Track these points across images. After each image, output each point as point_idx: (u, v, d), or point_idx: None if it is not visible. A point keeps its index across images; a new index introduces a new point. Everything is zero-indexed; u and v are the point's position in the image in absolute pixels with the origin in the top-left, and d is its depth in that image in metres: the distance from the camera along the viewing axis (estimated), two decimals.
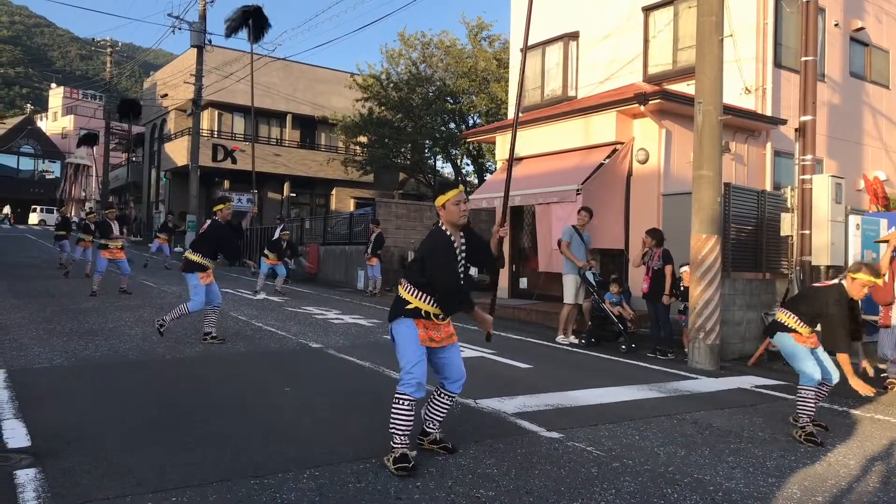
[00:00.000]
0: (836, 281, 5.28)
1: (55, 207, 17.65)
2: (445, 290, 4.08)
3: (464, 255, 4.23)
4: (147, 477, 3.73)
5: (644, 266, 9.03)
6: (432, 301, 4.12)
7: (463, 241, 4.25)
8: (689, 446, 4.78)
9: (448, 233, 4.18)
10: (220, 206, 8.16)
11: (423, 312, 4.12)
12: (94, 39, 50.08)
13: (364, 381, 6.64)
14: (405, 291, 4.18)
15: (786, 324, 5.28)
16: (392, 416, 4.00)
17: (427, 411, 4.33)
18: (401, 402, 3.99)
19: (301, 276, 20.40)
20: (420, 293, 4.12)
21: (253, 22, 13.72)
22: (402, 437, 3.98)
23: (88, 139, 17.59)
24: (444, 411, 4.31)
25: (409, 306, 4.14)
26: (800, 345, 5.21)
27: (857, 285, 5.08)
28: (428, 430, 4.34)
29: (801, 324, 5.22)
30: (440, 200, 4.21)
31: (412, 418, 4.01)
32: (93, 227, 15.24)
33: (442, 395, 4.29)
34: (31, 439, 4.30)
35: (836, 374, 5.24)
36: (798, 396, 5.17)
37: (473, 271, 14.07)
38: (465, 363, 7.56)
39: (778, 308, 5.49)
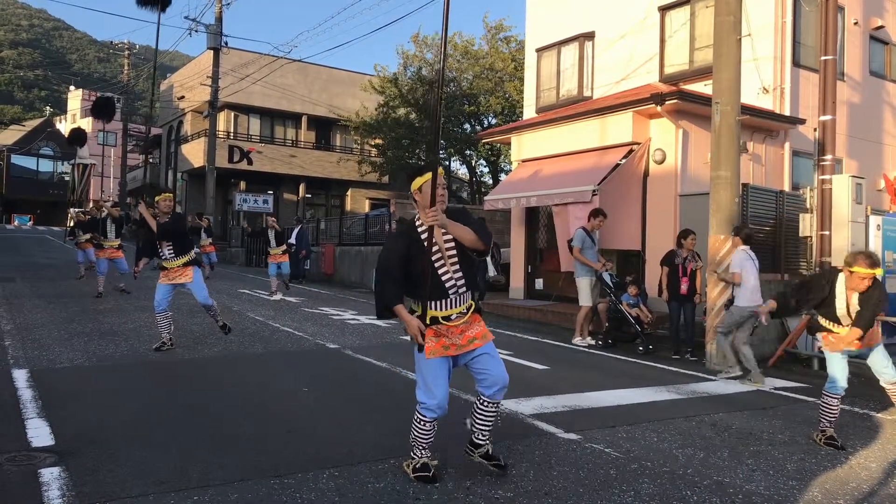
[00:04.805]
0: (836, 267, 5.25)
1: (83, 209, 17.59)
2: (375, 286, 3.88)
3: (452, 247, 3.83)
4: (168, 476, 3.77)
5: (679, 267, 8.90)
6: (434, 305, 3.82)
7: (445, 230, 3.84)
8: (707, 448, 4.75)
9: (419, 224, 3.86)
10: (157, 198, 7.73)
11: (427, 319, 3.81)
12: (111, 42, 50.65)
13: (381, 381, 6.66)
14: (411, 300, 3.94)
15: (820, 323, 5.20)
16: (413, 429, 3.89)
17: (473, 421, 3.98)
18: (420, 421, 3.85)
19: (316, 277, 20.50)
20: (415, 300, 3.89)
21: None
22: (422, 451, 3.89)
23: (77, 139, 16.97)
24: (490, 420, 3.93)
25: (414, 315, 3.88)
26: (831, 349, 5.12)
27: (855, 278, 4.91)
28: (477, 441, 3.97)
29: (828, 321, 5.12)
30: (416, 184, 3.88)
31: (432, 434, 3.89)
32: (81, 226, 15.22)
33: (484, 403, 3.92)
34: (55, 438, 4.37)
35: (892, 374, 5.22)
36: (821, 402, 5.11)
37: (491, 270, 13.84)
38: None
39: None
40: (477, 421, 3.95)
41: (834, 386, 5.04)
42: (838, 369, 5.08)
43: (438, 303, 3.82)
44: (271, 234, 14.11)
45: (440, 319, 3.82)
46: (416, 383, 3.91)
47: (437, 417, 3.85)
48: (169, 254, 7.69)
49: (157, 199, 7.71)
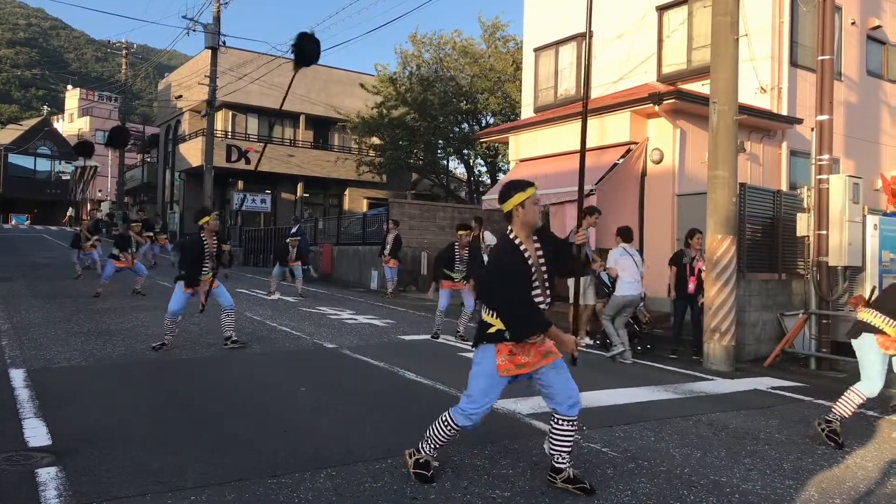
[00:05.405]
0: None
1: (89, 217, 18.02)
2: (511, 313, 3.64)
3: (542, 263, 3.77)
4: (166, 476, 3.77)
5: (687, 266, 8.91)
6: None
7: (538, 246, 3.79)
8: (705, 448, 4.76)
9: (518, 242, 3.73)
10: (206, 219, 7.78)
11: (506, 334, 3.70)
12: (109, 41, 50.48)
13: (378, 380, 6.66)
14: (486, 314, 3.78)
15: (872, 323, 5.01)
16: (434, 428, 3.85)
17: (550, 444, 3.83)
18: (448, 425, 3.79)
19: (314, 277, 20.47)
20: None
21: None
22: (431, 450, 3.88)
23: (84, 149, 17.50)
24: (568, 440, 3.79)
25: (490, 330, 3.73)
26: (880, 354, 4.97)
27: None
28: (557, 465, 3.80)
29: (889, 322, 4.93)
30: (517, 199, 3.73)
31: (451, 441, 3.90)
32: (86, 233, 16.18)
33: (559, 423, 3.78)
34: (52, 438, 4.36)
35: None
36: (845, 396, 5.03)
37: None
38: None
39: (861, 309, 5.27)
40: (553, 442, 3.80)
41: (869, 387, 4.96)
42: (881, 371, 4.98)
43: None
44: (293, 251, 15.09)
45: None
46: (466, 390, 3.83)
47: (468, 428, 3.82)
48: (210, 268, 7.88)
49: (205, 219, 7.76)
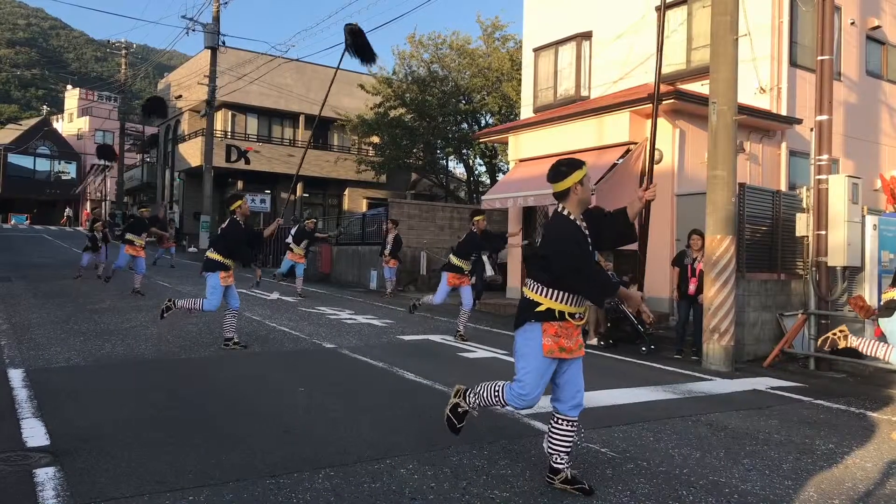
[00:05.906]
0: None
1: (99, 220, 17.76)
2: (591, 279, 3.62)
3: (590, 242, 3.80)
4: (164, 476, 3.77)
5: (688, 267, 8.93)
6: (567, 299, 3.66)
7: (585, 224, 3.80)
8: (703, 448, 4.76)
9: (573, 218, 3.75)
10: (238, 203, 7.91)
11: (556, 313, 3.66)
12: (108, 41, 50.50)
13: (377, 380, 6.66)
14: (533, 292, 3.73)
15: None
16: (486, 389, 3.92)
17: (549, 444, 3.80)
18: (497, 396, 3.84)
19: (314, 276, 20.47)
20: (551, 291, 3.67)
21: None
22: (478, 405, 3.98)
23: (106, 154, 18.03)
24: (568, 441, 3.77)
25: (539, 308, 3.68)
26: None
27: None
28: (556, 465, 3.76)
29: None
30: (572, 180, 3.72)
31: (494, 408, 3.98)
32: (100, 235, 16.06)
33: (559, 422, 3.76)
34: (50, 438, 4.35)
35: None
36: (879, 341, 5.13)
37: (489, 270, 13.92)
38: (477, 363, 7.54)
39: (888, 290, 5.33)
40: (552, 442, 3.77)
41: None
42: None
43: (573, 297, 3.70)
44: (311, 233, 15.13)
45: (567, 316, 3.69)
46: (516, 374, 3.80)
47: (513, 409, 3.93)
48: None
49: (238, 203, 7.92)
